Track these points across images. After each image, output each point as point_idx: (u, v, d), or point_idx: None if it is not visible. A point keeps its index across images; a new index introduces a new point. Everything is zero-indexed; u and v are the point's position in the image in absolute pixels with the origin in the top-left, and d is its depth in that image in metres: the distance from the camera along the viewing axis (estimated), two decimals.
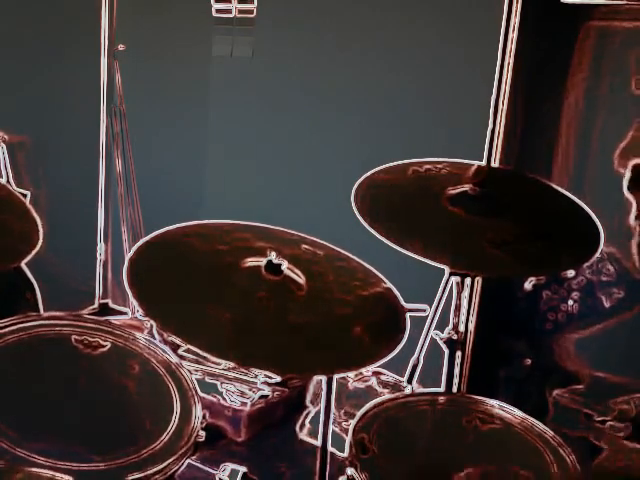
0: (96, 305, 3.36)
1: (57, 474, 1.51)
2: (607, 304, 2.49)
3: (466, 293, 2.58)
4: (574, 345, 2.56)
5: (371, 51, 2.90)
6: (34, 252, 1.94)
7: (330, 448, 1.90)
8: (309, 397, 2.60)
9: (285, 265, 1.84)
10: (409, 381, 2.37)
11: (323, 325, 1.80)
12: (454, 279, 2.16)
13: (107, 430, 1.66)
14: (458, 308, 2.19)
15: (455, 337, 2.19)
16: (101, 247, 3.34)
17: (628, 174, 2.36)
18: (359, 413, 1.89)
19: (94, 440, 1.62)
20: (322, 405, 1.88)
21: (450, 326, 2.20)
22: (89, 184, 3.29)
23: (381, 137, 2.89)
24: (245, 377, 2.58)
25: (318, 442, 1.90)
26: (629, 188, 2.36)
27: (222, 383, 2.54)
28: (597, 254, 2.11)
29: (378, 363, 1.81)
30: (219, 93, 3.24)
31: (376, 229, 2.04)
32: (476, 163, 2.35)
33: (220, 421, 2.48)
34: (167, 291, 1.82)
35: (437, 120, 2.79)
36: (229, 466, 1.90)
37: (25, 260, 1.97)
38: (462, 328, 2.33)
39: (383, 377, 2.58)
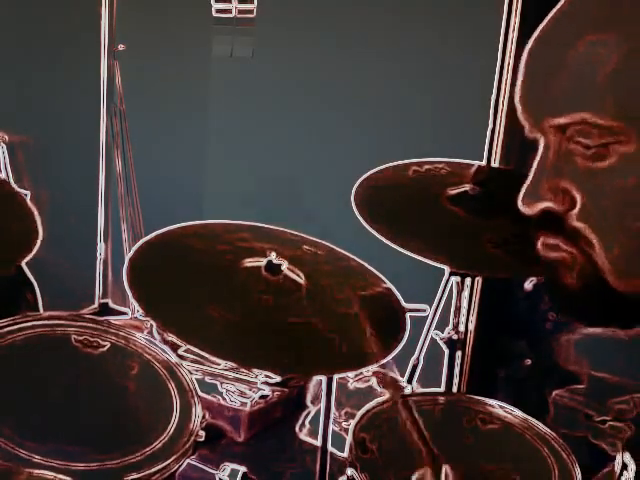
0: (96, 305, 3.35)
1: (57, 475, 1.51)
2: None
3: (466, 293, 2.58)
4: (574, 345, 2.56)
5: (371, 51, 2.90)
6: (34, 252, 1.94)
7: (330, 448, 1.90)
8: (309, 397, 2.60)
9: (285, 265, 1.84)
10: (409, 381, 2.37)
11: (323, 325, 1.80)
12: (454, 279, 2.16)
13: (106, 430, 1.66)
14: (458, 308, 2.19)
15: (455, 337, 2.19)
16: (101, 247, 3.33)
17: None
18: (359, 413, 1.89)
19: (94, 440, 1.62)
20: (322, 405, 1.87)
21: (450, 326, 2.20)
22: (89, 184, 3.29)
23: (381, 137, 2.89)
24: (245, 377, 2.57)
25: (318, 442, 1.90)
26: None
27: (222, 383, 2.54)
28: None
29: (378, 363, 1.81)
30: (219, 93, 3.24)
31: (376, 229, 2.04)
32: (476, 163, 2.35)
33: (220, 421, 2.48)
34: (167, 291, 1.82)
35: (437, 120, 2.79)
36: (229, 466, 1.90)
37: (25, 260, 1.97)
38: (462, 328, 2.33)
39: None
